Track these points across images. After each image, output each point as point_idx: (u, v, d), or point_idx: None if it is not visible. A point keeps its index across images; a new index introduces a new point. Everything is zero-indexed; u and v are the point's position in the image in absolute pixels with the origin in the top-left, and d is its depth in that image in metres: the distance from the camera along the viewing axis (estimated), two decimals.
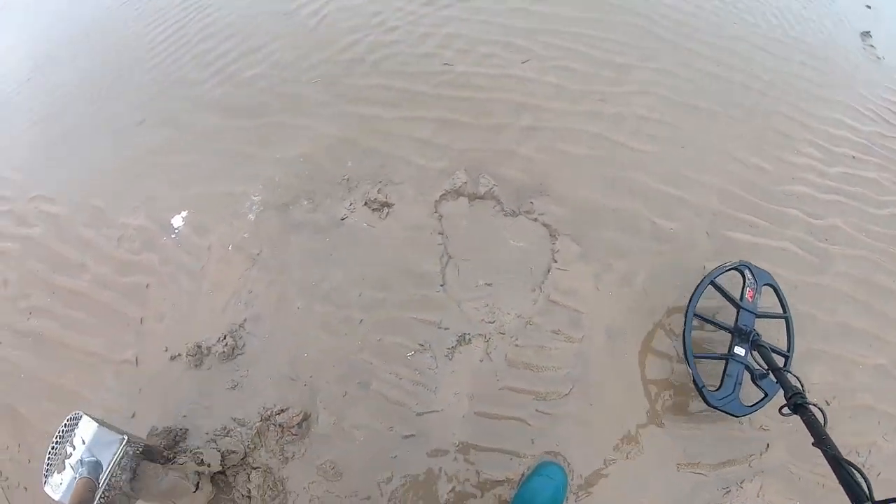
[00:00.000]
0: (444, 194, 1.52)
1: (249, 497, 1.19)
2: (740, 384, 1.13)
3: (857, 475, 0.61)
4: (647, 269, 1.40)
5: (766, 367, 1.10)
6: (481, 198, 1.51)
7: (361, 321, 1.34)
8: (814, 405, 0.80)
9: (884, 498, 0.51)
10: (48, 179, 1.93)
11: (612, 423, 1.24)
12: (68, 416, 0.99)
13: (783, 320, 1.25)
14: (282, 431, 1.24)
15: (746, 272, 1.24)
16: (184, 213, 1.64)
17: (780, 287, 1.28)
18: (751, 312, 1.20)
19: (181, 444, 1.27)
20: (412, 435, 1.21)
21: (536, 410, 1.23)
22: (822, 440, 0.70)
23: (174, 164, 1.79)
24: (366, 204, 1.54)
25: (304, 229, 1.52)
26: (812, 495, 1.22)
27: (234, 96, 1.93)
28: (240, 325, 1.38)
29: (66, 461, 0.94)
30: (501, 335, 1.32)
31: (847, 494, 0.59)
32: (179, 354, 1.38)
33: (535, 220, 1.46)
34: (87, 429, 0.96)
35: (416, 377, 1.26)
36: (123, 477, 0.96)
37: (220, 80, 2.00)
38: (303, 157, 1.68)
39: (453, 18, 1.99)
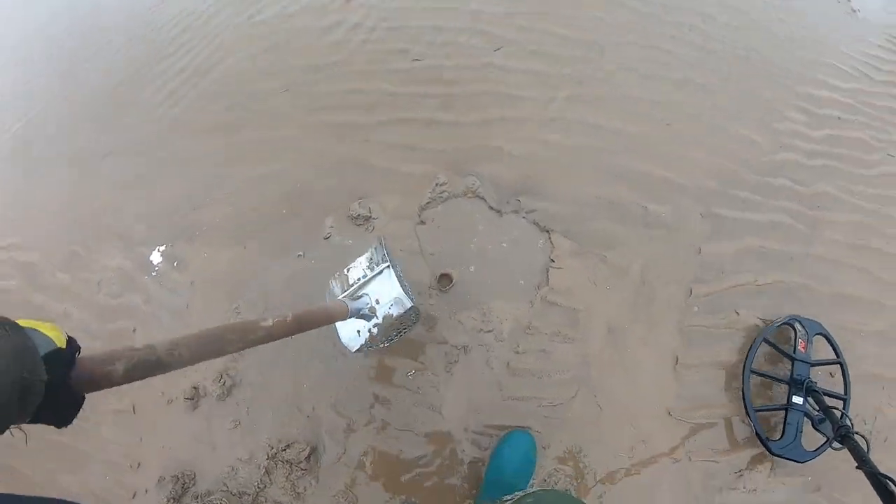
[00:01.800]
0: (428, 202, 1.47)
1: None
2: (801, 432, 1.19)
3: (892, 485, 0.72)
4: (642, 258, 1.37)
5: (819, 409, 1.17)
6: (466, 200, 1.47)
7: None
8: (858, 434, 0.89)
9: None
10: (17, 224, 1.85)
11: (623, 421, 1.23)
12: (377, 246, 1.07)
13: (838, 365, 1.30)
14: (290, 468, 1.22)
15: (797, 325, 1.29)
16: (161, 248, 1.58)
17: (831, 333, 1.31)
18: (805, 363, 1.26)
19: (191, 490, 1.25)
20: (423, 456, 1.20)
21: (544, 417, 1.22)
22: (864, 462, 0.80)
23: (144, 196, 1.72)
24: (349, 218, 1.49)
25: (286, 254, 1.47)
26: (819, 469, 1.23)
27: (200, 115, 1.85)
28: (234, 362, 1.35)
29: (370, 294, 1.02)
30: (501, 343, 1.29)
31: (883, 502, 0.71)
32: (176, 398, 1.35)
33: (524, 217, 1.43)
34: (389, 289, 1.02)
35: (418, 398, 1.24)
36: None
37: (180, 100, 1.92)
38: (277, 174, 1.62)
39: (417, 9, 1.90)
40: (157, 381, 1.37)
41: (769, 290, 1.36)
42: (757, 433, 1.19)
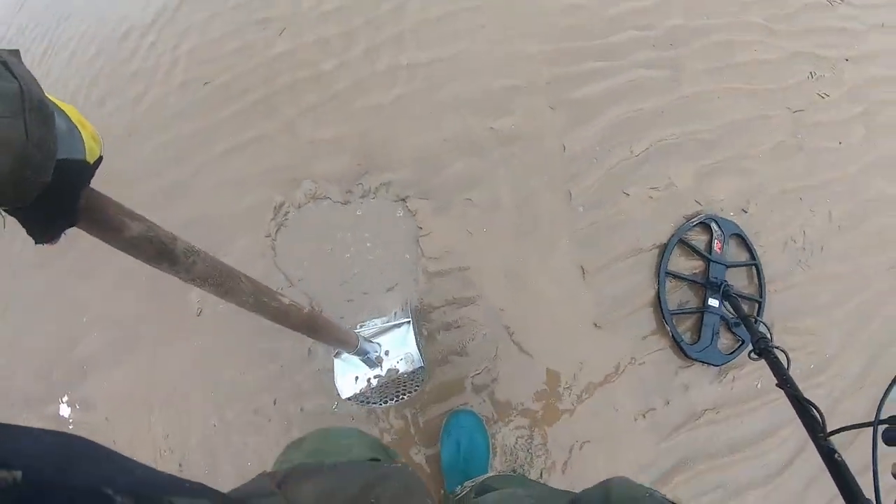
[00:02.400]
0: (277, 229, 1.28)
1: None
2: (717, 334, 1.15)
3: (815, 411, 0.63)
4: (508, 182, 1.22)
5: (736, 316, 1.11)
6: (311, 208, 1.28)
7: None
8: (778, 349, 0.81)
9: (834, 429, 0.57)
10: None
11: (557, 355, 1.12)
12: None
13: (753, 267, 1.23)
14: None
15: (713, 225, 1.21)
16: (65, 399, 1.37)
17: (745, 233, 1.23)
18: (721, 264, 1.19)
19: None
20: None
21: (479, 388, 1.10)
22: (784, 381, 0.73)
23: (26, 352, 1.49)
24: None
25: (173, 342, 1.28)
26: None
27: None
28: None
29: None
30: (417, 335, 1.15)
31: (805, 428, 0.64)
32: None
33: (374, 198, 1.25)
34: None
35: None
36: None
37: None
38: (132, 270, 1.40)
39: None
40: None
41: (649, 154, 1.23)
42: (673, 337, 1.12)
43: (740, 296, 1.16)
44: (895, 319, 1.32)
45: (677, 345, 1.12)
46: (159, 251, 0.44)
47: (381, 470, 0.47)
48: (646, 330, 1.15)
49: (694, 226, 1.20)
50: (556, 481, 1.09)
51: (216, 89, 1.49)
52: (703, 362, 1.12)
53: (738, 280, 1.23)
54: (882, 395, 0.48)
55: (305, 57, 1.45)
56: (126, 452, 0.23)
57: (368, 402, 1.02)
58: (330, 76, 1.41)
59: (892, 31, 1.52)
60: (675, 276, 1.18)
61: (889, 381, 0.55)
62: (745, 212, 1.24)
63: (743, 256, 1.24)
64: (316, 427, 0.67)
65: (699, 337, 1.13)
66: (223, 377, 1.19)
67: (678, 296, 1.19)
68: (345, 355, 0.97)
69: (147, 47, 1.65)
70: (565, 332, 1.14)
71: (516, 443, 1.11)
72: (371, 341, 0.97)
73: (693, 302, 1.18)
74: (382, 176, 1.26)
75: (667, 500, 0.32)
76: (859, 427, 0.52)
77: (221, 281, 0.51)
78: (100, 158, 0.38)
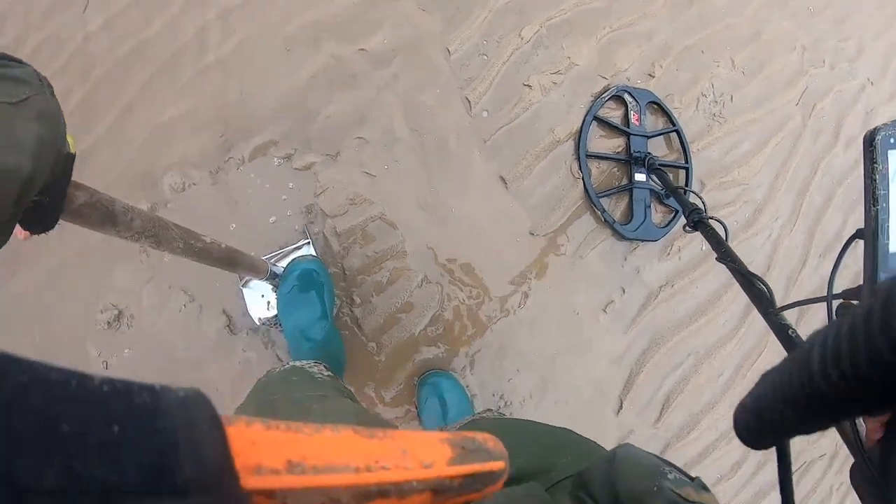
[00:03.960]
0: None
1: None
2: (650, 207, 1.09)
3: (761, 284, 0.57)
4: (397, 107, 1.05)
5: (663, 189, 1.05)
6: (188, 197, 1.06)
7: None
8: (714, 219, 0.75)
9: (784, 304, 0.52)
10: None
11: (500, 274, 1.03)
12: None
13: (675, 133, 1.16)
14: None
15: (626, 96, 1.11)
16: None
17: (661, 98, 1.16)
18: (641, 136, 1.11)
19: None
20: None
21: (428, 335, 1.00)
22: (724, 254, 0.67)
23: None
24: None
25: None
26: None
27: None
28: None
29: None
30: (351, 305, 1.01)
31: (753, 303, 0.59)
32: None
33: (250, 169, 1.05)
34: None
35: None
36: None
37: None
38: None
39: None
40: None
41: (541, 36, 1.10)
42: (605, 220, 1.06)
43: (665, 165, 1.10)
44: (811, 152, 1.34)
45: (611, 227, 1.07)
46: (103, 215, 0.46)
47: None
48: (585, 225, 1.08)
49: (607, 101, 1.11)
50: (542, 407, 1.04)
51: None
52: (641, 240, 1.08)
53: (661, 149, 1.18)
54: (832, 267, 0.42)
55: (122, 30, 1.16)
56: None
57: (277, 323, 0.98)
58: (156, 42, 1.15)
59: None
60: (597, 157, 1.10)
61: (836, 249, 0.50)
62: (653, 76, 1.16)
63: (661, 124, 1.17)
64: None
65: (632, 215, 1.08)
66: None
67: (606, 179, 1.11)
68: (253, 283, 0.96)
69: None
70: (505, 252, 1.04)
71: (489, 379, 1.04)
72: (276, 265, 0.94)
73: (621, 181, 1.12)
74: (252, 141, 1.06)
75: (674, 492, 0.29)
76: (811, 303, 0.46)
77: (156, 231, 0.55)
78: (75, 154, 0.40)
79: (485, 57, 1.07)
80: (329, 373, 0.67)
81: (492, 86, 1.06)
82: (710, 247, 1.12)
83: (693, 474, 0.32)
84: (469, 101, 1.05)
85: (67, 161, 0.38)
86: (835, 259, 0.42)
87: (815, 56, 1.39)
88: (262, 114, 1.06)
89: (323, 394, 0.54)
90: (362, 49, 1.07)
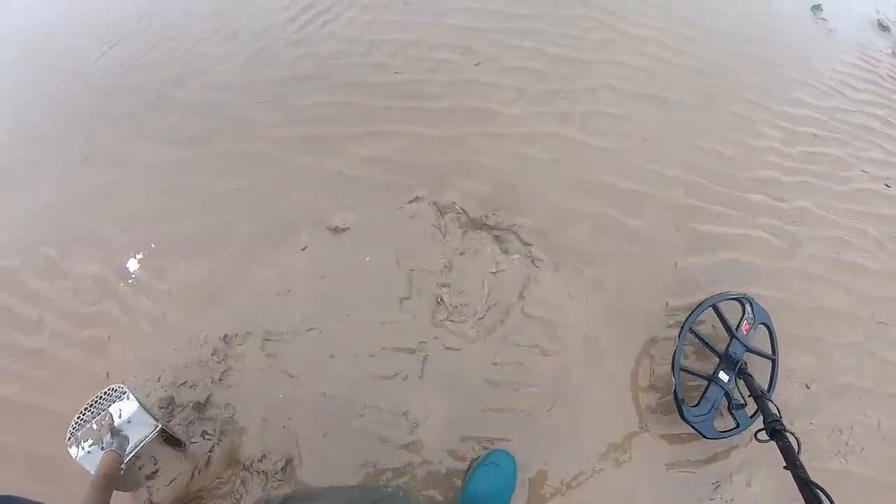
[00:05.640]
0: (411, 216, 1.48)
1: None
2: (716, 409, 1.15)
3: (823, 497, 0.66)
4: (619, 271, 1.38)
5: (749, 395, 1.11)
6: (445, 214, 1.48)
7: (333, 356, 1.30)
8: (790, 433, 0.82)
9: None
10: None
11: (598, 432, 1.23)
12: (110, 387, 1.03)
13: (770, 362, 1.26)
14: (266, 478, 1.20)
15: (748, 306, 1.26)
16: (138, 256, 1.57)
17: (774, 328, 1.29)
18: (742, 344, 1.22)
19: None
20: (400, 467, 1.18)
21: (517, 428, 1.22)
22: (794, 465, 0.74)
23: (122, 205, 1.71)
24: (328, 230, 1.49)
25: (266, 265, 1.46)
26: None
27: (178, 127, 1.85)
28: (209, 375, 1.33)
29: (99, 428, 0.97)
30: (477, 352, 1.29)
31: None
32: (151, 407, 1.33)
33: (499, 234, 1.43)
34: (128, 406, 1.00)
35: (396, 408, 1.23)
36: (141, 462, 1.06)
37: (161, 109, 1.92)
38: (252, 187, 1.62)
39: (397, 23, 1.93)
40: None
41: None
42: (675, 391, 1.12)
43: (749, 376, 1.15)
44: None
45: (676, 400, 1.12)
46: None
47: (382, 492, 0.48)
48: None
49: (731, 298, 1.24)
50: None
51: (410, 84, 1.74)
52: (694, 428, 1.12)
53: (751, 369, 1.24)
54: None
55: (494, 94, 1.69)
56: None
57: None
58: (506, 117, 1.64)
59: None
60: (697, 336, 1.21)
61: None
62: (808, 387, 1.34)
63: (765, 348, 1.27)
64: None
65: (698, 403, 1.13)
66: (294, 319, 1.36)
67: (691, 359, 1.25)
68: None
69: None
70: (614, 412, 1.25)
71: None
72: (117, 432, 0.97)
73: (703, 368, 1.22)
74: (515, 216, 1.45)
75: None
76: None
77: None
78: None
79: (697, 286, 1.37)
80: None
81: (689, 307, 1.34)
82: None
83: None
84: (667, 304, 1.34)
85: None
86: None
87: None
88: (531, 205, 1.46)
89: None
90: (621, 220, 1.44)
